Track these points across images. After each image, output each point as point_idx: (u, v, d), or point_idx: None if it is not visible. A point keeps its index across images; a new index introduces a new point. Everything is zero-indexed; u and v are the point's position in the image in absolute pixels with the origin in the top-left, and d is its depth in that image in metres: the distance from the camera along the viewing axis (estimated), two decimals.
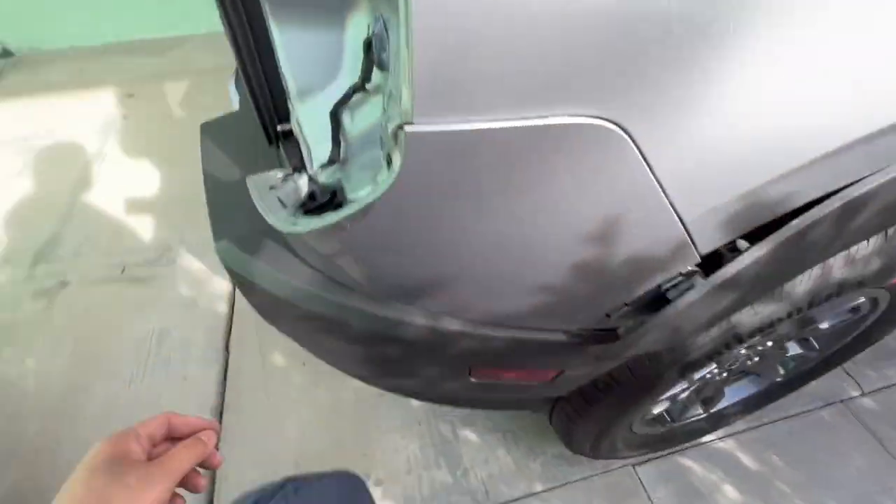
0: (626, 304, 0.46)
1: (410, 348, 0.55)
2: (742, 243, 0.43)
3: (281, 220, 0.49)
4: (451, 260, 0.42)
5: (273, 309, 0.62)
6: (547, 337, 0.51)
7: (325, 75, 0.49)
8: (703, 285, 0.42)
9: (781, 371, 1.02)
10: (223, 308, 1.49)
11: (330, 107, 0.49)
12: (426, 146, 0.32)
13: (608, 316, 0.48)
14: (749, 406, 1.12)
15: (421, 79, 0.28)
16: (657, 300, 0.45)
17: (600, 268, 0.42)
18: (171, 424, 0.40)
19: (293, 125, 0.55)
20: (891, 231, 0.58)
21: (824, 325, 0.84)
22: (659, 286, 0.45)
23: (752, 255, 0.41)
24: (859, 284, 0.62)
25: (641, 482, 1.13)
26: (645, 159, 0.35)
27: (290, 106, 0.54)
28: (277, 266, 0.58)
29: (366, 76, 0.44)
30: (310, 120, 0.52)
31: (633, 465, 1.16)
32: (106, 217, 1.79)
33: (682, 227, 0.39)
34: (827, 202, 0.39)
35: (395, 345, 0.55)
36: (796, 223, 0.40)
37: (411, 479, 1.14)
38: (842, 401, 1.26)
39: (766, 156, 0.36)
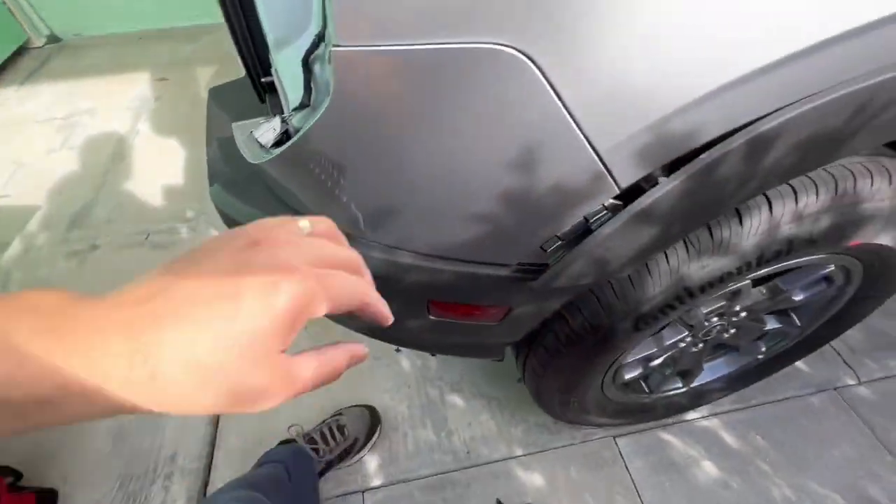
0: (558, 238, 0.50)
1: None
2: (663, 179, 0.46)
3: (255, 155, 0.55)
4: (388, 186, 0.47)
5: None
6: (490, 272, 0.55)
7: (298, 26, 0.55)
8: (619, 216, 0.46)
9: (762, 348, 1.02)
10: None
11: (302, 55, 0.55)
12: (352, 66, 0.37)
13: (544, 250, 0.52)
14: (732, 384, 1.12)
15: (338, 5, 0.33)
16: (586, 234, 0.49)
17: (524, 197, 0.46)
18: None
19: (273, 75, 0.61)
20: (840, 187, 0.59)
21: (798, 297, 0.85)
22: (586, 219, 0.48)
23: (663, 188, 0.44)
24: (810, 243, 0.63)
25: (620, 453, 1.16)
26: (553, 88, 0.39)
27: (271, 58, 0.60)
28: (257, 205, 0.65)
29: (325, 24, 0.49)
30: (285, 69, 0.57)
31: (614, 437, 1.18)
32: (135, 189, 1.92)
33: (596, 157, 0.43)
34: (733, 137, 0.42)
35: None
36: (704, 157, 0.42)
37: (398, 436, 1.20)
38: (835, 388, 1.25)
39: (668, 86, 0.39)
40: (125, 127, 2.27)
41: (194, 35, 2.94)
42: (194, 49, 2.82)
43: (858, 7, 0.39)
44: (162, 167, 2.00)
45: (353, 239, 0.58)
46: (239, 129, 0.60)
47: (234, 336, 0.21)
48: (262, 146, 0.56)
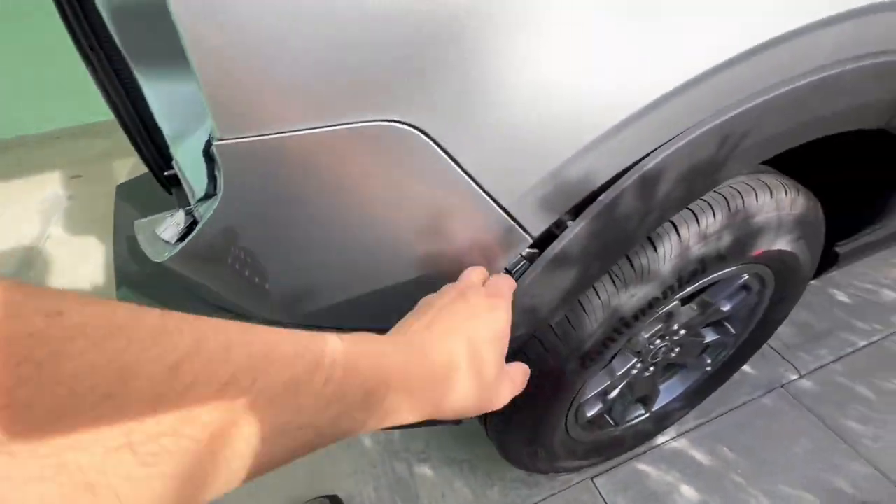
0: None
1: None
2: (571, 223, 0.48)
3: (157, 252, 0.52)
4: (305, 269, 0.45)
5: None
6: None
7: (195, 119, 0.54)
8: (536, 264, 0.47)
9: (708, 360, 1.06)
10: None
11: (202, 146, 0.54)
12: (240, 158, 0.36)
13: None
14: (690, 400, 1.14)
15: (213, 99, 0.33)
16: None
17: (443, 261, 0.46)
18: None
19: (175, 167, 0.59)
20: (732, 206, 0.65)
21: (726, 307, 0.90)
22: (508, 271, 0.49)
23: (571, 232, 0.45)
24: (721, 259, 0.68)
25: (600, 494, 1.12)
26: (450, 155, 0.40)
27: (171, 151, 0.59)
28: (171, 305, 0.60)
29: None
30: (186, 160, 0.56)
31: (591, 478, 1.15)
32: None
33: (503, 212, 0.44)
34: (623, 178, 0.45)
35: None
36: (602, 198, 0.45)
37: None
38: (782, 385, 1.31)
39: (555, 139, 0.42)
40: (34, 232, 2.10)
41: (110, 129, 2.85)
42: (111, 143, 2.73)
43: (704, 53, 0.44)
44: (77, 270, 1.85)
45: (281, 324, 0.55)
46: (141, 228, 0.57)
47: (493, 338, 0.38)
48: (166, 242, 0.53)
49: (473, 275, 0.43)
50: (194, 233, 0.42)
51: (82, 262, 1.89)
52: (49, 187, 2.41)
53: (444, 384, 0.32)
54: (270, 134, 0.35)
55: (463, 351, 0.34)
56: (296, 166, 0.37)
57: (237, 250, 0.44)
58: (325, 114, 0.35)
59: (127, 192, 0.86)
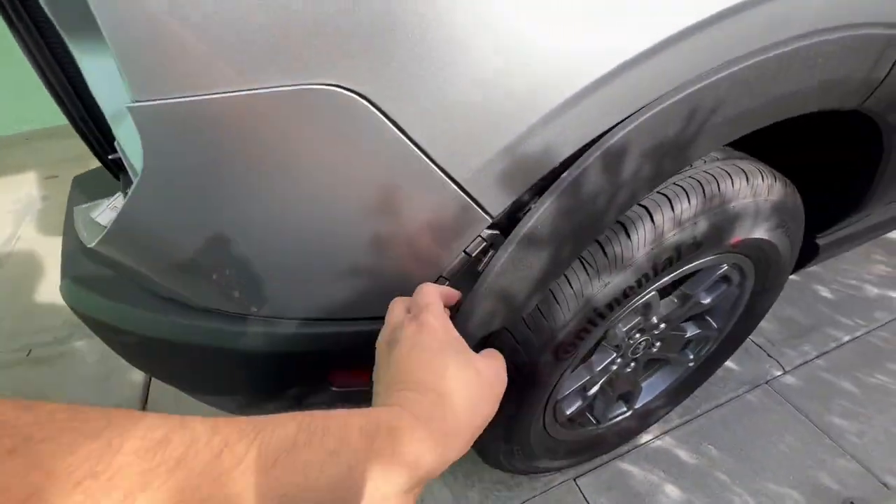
0: (445, 278, 0.47)
1: (258, 361, 0.53)
2: (538, 201, 0.45)
3: (92, 237, 0.48)
4: (238, 250, 0.42)
5: (120, 342, 0.59)
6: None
7: None
8: (506, 246, 0.44)
9: (690, 355, 1.04)
10: (138, 377, 1.40)
11: None
12: (158, 122, 0.33)
13: None
14: (673, 397, 1.12)
15: (123, 56, 0.30)
16: (473, 266, 0.47)
17: (397, 241, 0.43)
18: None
19: (118, 149, 0.55)
20: (708, 191, 0.63)
21: (706, 300, 0.88)
22: (467, 254, 0.46)
23: (537, 211, 0.43)
24: (697, 246, 0.65)
25: (583, 494, 1.09)
26: (396, 125, 0.37)
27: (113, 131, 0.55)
28: (117, 298, 0.56)
29: None
30: (128, 141, 0.52)
31: (574, 479, 1.12)
32: (11, 300, 1.69)
33: (457, 188, 0.41)
34: (587, 152, 0.42)
35: (242, 359, 0.53)
36: (566, 175, 0.42)
37: None
38: (766, 382, 1.29)
39: (511, 108, 0.39)
40: (5, 233, 2.03)
41: None
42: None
43: (666, 19, 0.41)
44: (45, 272, 1.79)
45: (231, 319, 0.51)
46: (80, 213, 0.53)
47: (435, 353, 0.37)
48: (103, 227, 0.49)
49: (395, 310, 0.41)
50: (118, 210, 0.39)
51: (54, 264, 1.83)
52: (23, 188, 2.34)
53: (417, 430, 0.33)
54: (192, 96, 0.32)
55: (416, 388, 0.35)
56: (223, 133, 0.34)
57: (168, 231, 0.41)
58: (251, 74, 0.32)
59: (84, 184, 0.82)
